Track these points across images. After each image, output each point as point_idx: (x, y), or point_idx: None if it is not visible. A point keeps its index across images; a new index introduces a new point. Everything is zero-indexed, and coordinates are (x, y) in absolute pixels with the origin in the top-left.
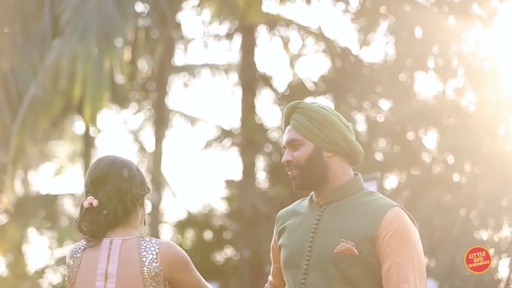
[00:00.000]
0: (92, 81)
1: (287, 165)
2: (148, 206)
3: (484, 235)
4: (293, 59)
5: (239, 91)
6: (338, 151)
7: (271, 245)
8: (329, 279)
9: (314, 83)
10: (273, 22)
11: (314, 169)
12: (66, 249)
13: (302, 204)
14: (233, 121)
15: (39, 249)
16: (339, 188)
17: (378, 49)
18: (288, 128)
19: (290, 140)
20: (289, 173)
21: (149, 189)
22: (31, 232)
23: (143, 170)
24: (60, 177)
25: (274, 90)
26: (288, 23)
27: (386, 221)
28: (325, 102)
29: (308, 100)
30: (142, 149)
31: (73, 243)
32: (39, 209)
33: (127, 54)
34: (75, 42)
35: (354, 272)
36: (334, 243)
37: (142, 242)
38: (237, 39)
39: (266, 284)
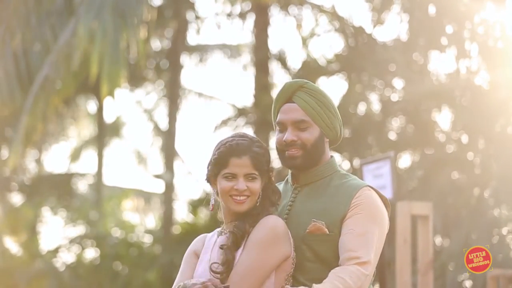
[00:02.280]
0: (109, 58)
1: (290, 144)
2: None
3: (498, 214)
4: (306, 38)
5: (252, 70)
6: (333, 137)
7: None
8: (302, 259)
9: (328, 62)
10: (286, 1)
11: (317, 153)
12: (79, 229)
13: (282, 185)
14: (247, 100)
15: (53, 228)
16: (314, 171)
17: (392, 28)
18: (293, 106)
19: (299, 120)
20: (288, 152)
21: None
22: (45, 211)
23: (157, 148)
24: (74, 157)
25: (288, 69)
26: (301, 2)
27: (355, 199)
28: (338, 81)
29: (323, 79)
30: (156, 127)
31: (86, 223)
32: (53, 188)
33: (142, 32)
34: (90, 20)
35: (325, 251)
36: (306, 224)
37: None
38: (250, 18)
39: None
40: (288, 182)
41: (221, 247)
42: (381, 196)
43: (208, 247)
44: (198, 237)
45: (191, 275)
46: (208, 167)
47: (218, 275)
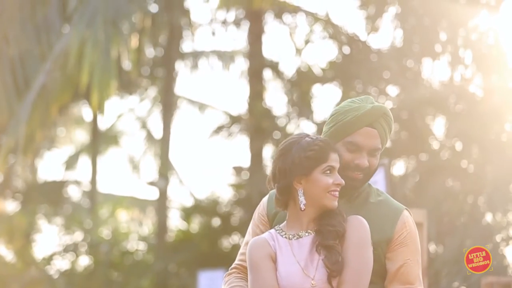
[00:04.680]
0: (100, 67)
1: (360, 168)
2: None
3: (492, 221)
4: (300, 46)
5: (246, 77)
6: None
7: (253, 222)
8: None
9: (322, 69)
10: (280, 8)
11: (373, 174)
12: (74, 236)
13: None
14: (241, 108)
15: (47, 236)
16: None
17: (386, 35)
18: (373, 132)
19: (376, 148)
20: (353, 173)
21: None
22: (39, 219)
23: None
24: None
25: (282, 77)
26: (295, 9)
27: (400, 223)
28: (332, 88)
29: (317, 86)
30: (149, 135)
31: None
32: (47, 196)
33: (134, 41)
34: (82, 29)
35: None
36: None
37: None
38: (245, 25)
39: (232, 269)
40: None
41: (327, 245)
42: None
43: (284, 247)
44: (259, 240)
45: (275, 280)
46: (292, 167)
47: (335, 273)
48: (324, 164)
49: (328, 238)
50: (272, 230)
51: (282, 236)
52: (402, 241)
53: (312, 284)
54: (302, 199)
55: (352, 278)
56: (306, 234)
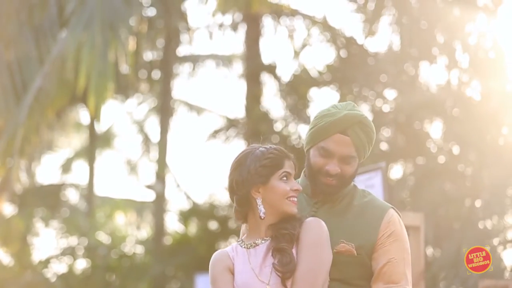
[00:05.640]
0: (97, 71)
1: (330, 174)
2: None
3: (489, 224)
4: (298, 49)
5: (244, 81)
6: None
7: None
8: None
9: (319, 72)
10: (278, 12)
11: (350, 181)
12: (71, 240)
13: None
14: (238, 111)
15: (45, 239)
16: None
17: (383, 39)
18: (346, 139)
19: (348, 156)
20: (325, 179)
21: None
22: (37, 222)
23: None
24: (65, 168)
25: (279, 80)
26: (293, 12)
27: (384, 223)
28: (330, 92)
29: (314, 90)
30: (146, 139)
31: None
32: (44, 199)
33: (131, 44)
34: (79, 33)
35: (350, 271)
36: (333, 242)
37: None
38: (242, 29)
39: None
40: (303, 192)
41: (279, 248)
42: (400, 216)
43: (241, 257)
44: (219, 255)
45: None
46: (249, 177)
47: (288, 274)
48: (280, 171)
49: (282, 241)
50: (235, 243)
51: (241, 246)
52: (385, 240)
53: None
54: (261, 208)
55: (304, 277)
56: (263, 241)
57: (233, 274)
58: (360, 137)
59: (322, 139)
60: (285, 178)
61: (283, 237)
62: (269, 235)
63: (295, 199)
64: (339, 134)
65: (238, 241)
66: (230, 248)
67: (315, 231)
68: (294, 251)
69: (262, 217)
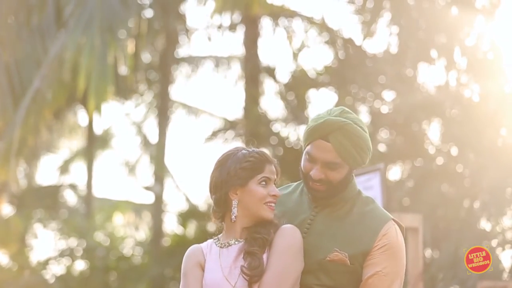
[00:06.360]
0: (96, 73)
1: (317, 181)
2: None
3: (487, 226)
4: (296, 50)
5: (242, 82)
6: (360, 167)
7: None
8: (316, 283)
9: (317, 73)
10: (276, 13)
11: (341, 187)
12: (70, 241)
13: (295, 194)
14: (237, 113)
15: (43, 240)
16: (339, 196)
17: (382, 40)
18: (327, 146)
19: (330, 162)
20: (313, 184)
21: None
22: (35, 223)
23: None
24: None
25: (278, 82)
26: (291, 14)
27: (380, 235)
28: (328, 93)
29: (312, 91)
30: (145, 140)
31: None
32: (43, 200)
33: (130, 46)
34: (78, 35)
35: (342, 280)
36: (326, 249)
37: None
38: (241, 30)
39: None
40: (303, 192)
41: (250, 252)
42: (400, 227)
43: (214, 255)
44: (193, 249)
45: (199, 285)
46: (228, 178)
47: (255, 278)
48: (259, 175)
49: (253, 245)
50: (211, 240)
51: (216, 244)
52: (376, 252)
53: None
54: (234, 211)
55: (270, 282)
56: (236, 242)
57: (203, 270)
58: (342, 144)
59: (308, 143)
60: (264, 183)
61: (256, 241)
62: (244, 237)
63: (273, 205)
64: (321, 140)
65: (214, 239)
66: (205, 244)
67: (288, 239)
68: (265, 256)
69: (233, 220)
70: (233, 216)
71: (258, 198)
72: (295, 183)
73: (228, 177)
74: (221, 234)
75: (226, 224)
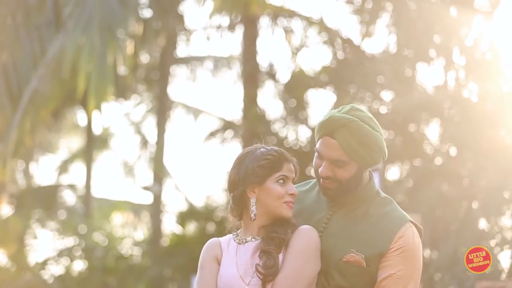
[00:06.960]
0: (96, 74)
1: (325, 178)
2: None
3: (486, 226)
4: (295, 50)
5: (241, 82)
6: (374, 166)
7: None
8: (331, 283)
9: (316, 73)
10: (275, 13)
11: (353, 185)
12: (68, 241)
13: (313, 191)
14: (235, 113)
15: (42, 240)
16: (352, 195)
17: (380, 40)
18: (333, 142)
19: (337, 160)
20: (323, 182)
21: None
22: (34, 223)
23: (145, 161)
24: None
25: (276, 81)
26: (290, 14)
27: (396, 237)
28: (327, 93)
29: (311, 91)
30: (144, 141)
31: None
32: (42, 201)
33: (129, 47)
34: (78, 35)
35: (358, 281)
36: (342, 250)
37: None
38: (239, 30)
39: None
40: (320, 191)
41: (266, 250)
42: (418, 229)
43: (231, 251)
44: (212, 242)
45: (214, 281)
46: (246, 176)
47: (269, 277)
48: (277, 174)
49: (270, 244)
50: (230, 234)
51: (234, 240)
52: (392, 254)
53: None
54: (253, 209)
55: (283, 283)
56: (253, 240)
57: (219, 264)
58: (348, 141)
59: (317, 140)
60: (281, 181)
61: (272, 240)
62: (261, 235)
63: (292, 204)
64: (327, 137)
65: (233, 234)
66: (224, 239)
67: (305, 240)
68: (281, 256)
69: (253, 218)
70: (252, 214)
71: (276, 197)
72: (314, 180)
73: (246, 175)
74: (240, 230)
75: (244, 222)
